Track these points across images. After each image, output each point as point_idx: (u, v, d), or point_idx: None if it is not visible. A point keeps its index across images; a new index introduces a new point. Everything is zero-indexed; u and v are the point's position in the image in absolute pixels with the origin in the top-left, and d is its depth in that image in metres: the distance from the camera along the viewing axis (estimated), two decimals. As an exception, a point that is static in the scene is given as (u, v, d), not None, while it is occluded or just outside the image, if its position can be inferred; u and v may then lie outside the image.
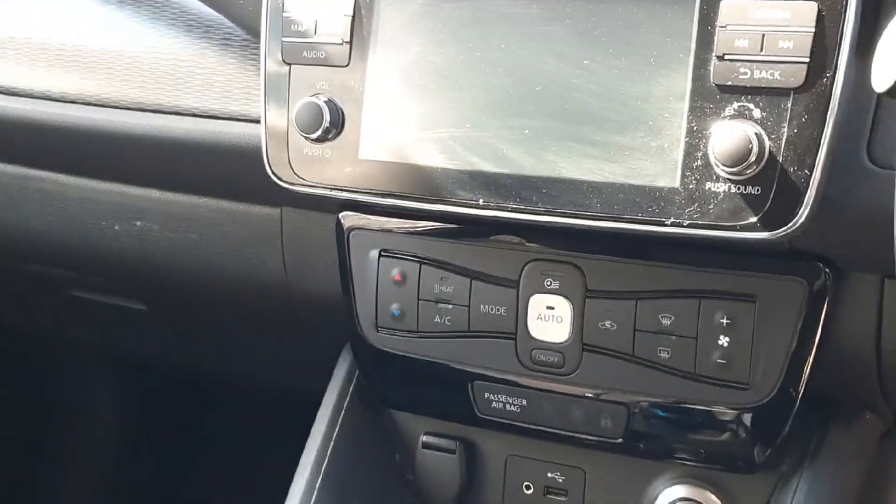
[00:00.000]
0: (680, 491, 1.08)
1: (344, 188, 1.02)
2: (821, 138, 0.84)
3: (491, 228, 1.05)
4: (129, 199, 1.26)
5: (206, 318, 1.46)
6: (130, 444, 2.16)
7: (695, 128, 0.87)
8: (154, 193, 1.25)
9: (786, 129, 0.84)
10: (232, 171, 1.14)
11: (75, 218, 1.30)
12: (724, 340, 0.98)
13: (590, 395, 1.05)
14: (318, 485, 1.13)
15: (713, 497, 1.07)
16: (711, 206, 0.87)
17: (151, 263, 1.30)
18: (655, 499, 1.09)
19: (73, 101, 1.20)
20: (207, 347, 1.64)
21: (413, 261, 1.08)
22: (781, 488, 1.04)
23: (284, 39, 1.01)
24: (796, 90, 0.84)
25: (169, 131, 1.15)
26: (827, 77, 0.83)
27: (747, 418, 1.00)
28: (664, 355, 1.00)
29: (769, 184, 0.85)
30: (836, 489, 1.02)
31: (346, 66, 0.99)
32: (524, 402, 1.08)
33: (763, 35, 0.84)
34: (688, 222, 0.88)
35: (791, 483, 1.03)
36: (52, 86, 1.20)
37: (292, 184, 1.03)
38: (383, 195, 1.00)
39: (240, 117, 1.11)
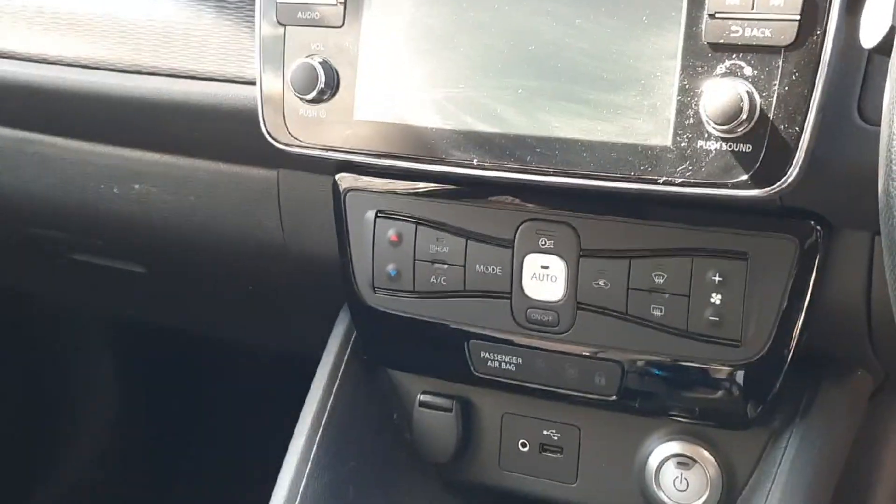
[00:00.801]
0: (673, 447, 1.09)
1: (339, 149, 1.02)
2: (811, 96, 0.84)
3: (486, 189, 1.05)
4: (126, 162, 1.27)
5: (204, 281, 1.47)
6: (129, 409, 2.18)
7: (686, 86, 0.88)
8: (152, 156, 1.25)
9: (777, 87, 0.85)
10: (228, 133, 1.14)
11: (73, 181, 1.31)
12: (716, 298, 0.99)
13: (584, 353, 1.06)
14: (315, 444, 1.14)
15: (706, 453, 1.09)
16: (703, 164, 0.88)
17: (150, 226, 1.30)
18: (649, 455, 1.11)
19: (69, 65, 1.20)
20: (206, 310, 1.65)
21: (409, 221, 1.09)
22: (773, 444, 1.06)
23: (279, 0, 1.01)
24: (787, 48, 0.84)
25: (165, 93, 1.15)
26: (817, 34, 0.83)
27: (739, 375, 1.01)
28: (657, 313, 1.01)
29: (760, 141, 0.86)
30: (826, 445, 1.04)
31: (341, 27, 1.00)
32: (519, 361, 1.09)
33: None
34: (680, 180, 0.89)
35: (782, 439, 1.05)
36: (48, 49, 1.21)
37: (288, 145, 1.04)
38: (378, 156, 1.01)
39: (235, 79, 1.11)
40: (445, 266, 1.08)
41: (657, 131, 0.89)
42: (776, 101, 0.85)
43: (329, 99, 1.01)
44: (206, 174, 1.22)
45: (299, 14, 1.01)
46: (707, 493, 1.08)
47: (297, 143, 1.03)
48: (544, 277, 1.05)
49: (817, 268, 0.96)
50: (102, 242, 1.44)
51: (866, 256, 0.96)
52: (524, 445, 1.17)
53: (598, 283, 1.03)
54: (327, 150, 1.03)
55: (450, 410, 1.18)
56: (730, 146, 0.87)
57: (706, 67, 0.87)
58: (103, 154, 1.28)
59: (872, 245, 0.95)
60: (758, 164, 0.86)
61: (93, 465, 2.15)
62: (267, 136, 1.04)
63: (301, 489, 1.12)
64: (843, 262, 0.97)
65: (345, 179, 1.11)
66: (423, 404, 1.19)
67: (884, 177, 0.68)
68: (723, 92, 0.85)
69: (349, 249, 1.13)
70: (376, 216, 1.10)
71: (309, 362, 1.22)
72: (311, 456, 1.14)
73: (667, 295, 1.00)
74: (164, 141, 1.23)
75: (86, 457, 2.14)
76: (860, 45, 0.76)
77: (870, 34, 0.72)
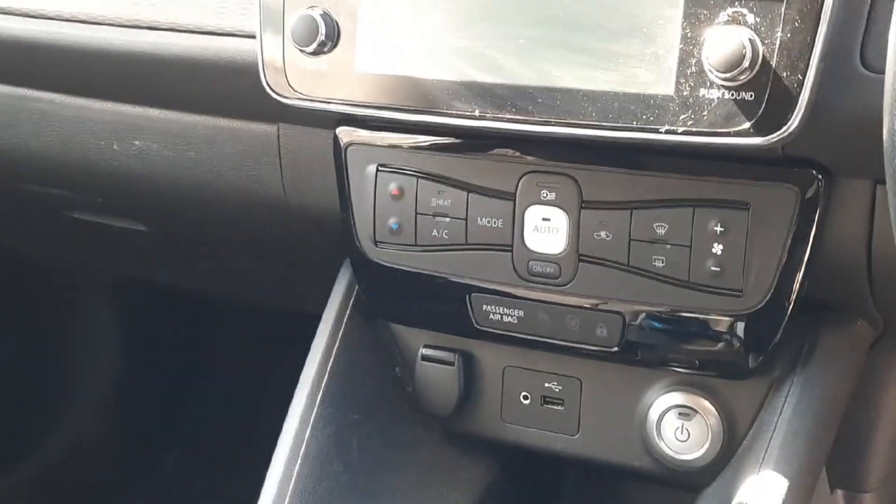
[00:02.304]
0: (674, 398, 1.10)
1: (340, 102, 1.02)
2: (814, 43, 0.84)
3: (487, 141, 1.05)
4: (126, 119, 1.26)
5: (206, 238, 1.47)
6: (131, 366, 2.18)
7: (689, 34, 0.87)
8: (152, 112, 1.25)
9: (779, 34, 0.85)
10: (228, 87, 1.14)
11: (73, 138, 1.31)
12: (717, 248, 0.99)
13: (586, 305, 1.06)
14: (319, 397, 1.15)
15: (707, 403, 1.09)
16: (705, 113, 0.88)
17: (150, 182, 1.30)
18: (650, 406, 1.11)
19: (67, 20, 1.20)
20: (208, 268, 1.65)
21: (410, 175, 1.09)
22: (774, 394, 1.06)
23: (279, -47, 1.01)
24: None
25: (165, 48, 1.15)
26: None
27: (740, 325, 1.02)
28: (659, 264, 1.01)
29: (762, 89, 0.86)
30: (827, 394, 1.04)
31: None
32: (521, 314, 1.10)
33: None
34: (682, 129, 0.89)
35: (783, 388, 1.05)
36: (46, 4, 1.20)
37: (289, 98, 1.04)
38: (379, 108, 1.00)
39: (236, 32, 1.11)
40: (447, 219, 1.08)
41: (659, 80, 0.89)
42: (778, 48, 0.85)
43: (330, 51, 1.01)
44: (206, 129, 1.22)
45: None
46: (708, 442, 1.09)
47: (298, 96, 1.03)
48: (546, 230, 1.05)
49: (818, 217, 0.96)
50: (102, 200, 1.43)
51: (867, 206, 0.96)
52: (526, 398, 1.17)
53: (599, 235, 1.03)
54: (328, 102, 1.03)
55: (452, 364, 1.18)
56: (732, 94, 0.87)
57: (708, 15, 0.87)
58: (103, 110, 1.27)
59: (874, 194, 0.95)
60: (760, 112, 0.86)
61: (92, 422, 2.16)
62: (267, 89, 1.04)
63: (305, 441, 1.13)
64: (844, 212, 0.97)
65: (346, 133, 1.11)
66: (425, 358, 1.19)
67: (889, 124, 0.68)
68: (725, 40, 0.85)
69: (350, 204, 1.13)
70: (377, 170, 1.10)
71: (312, 315, 1.22)
72: (315, 408, 1.14)
73: (668, 245, 1.00)
74: (164, 96, 1.23)
75: (85, 414, 2.15)
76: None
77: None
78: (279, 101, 1.04)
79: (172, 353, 2.23)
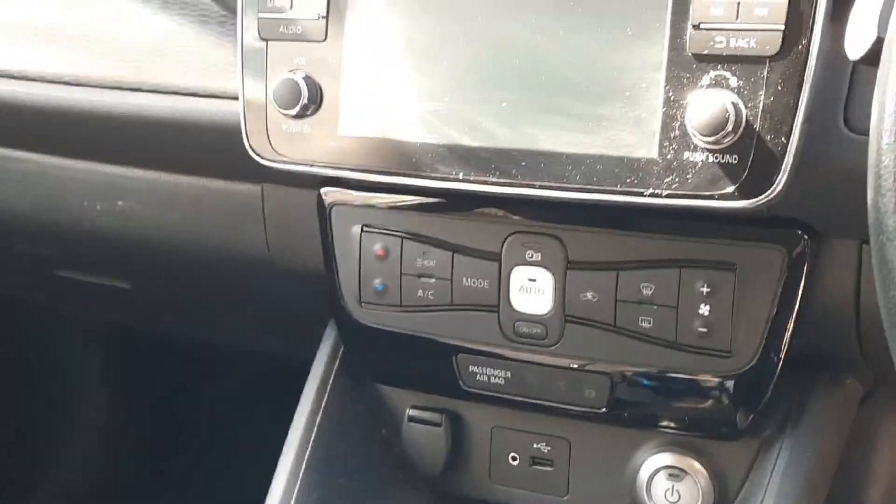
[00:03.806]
0: (664, 459, 1.09)
1: (324, 164, 1.01)
2: (797, 106, 0.84)
3: (472, 202, 1.05)
4: (110, 179, 1.26)
5: (190, 296, 1.46)
6: (121, 415, 2.16)
7: (672, 97, 0.87)
8: (135, 172, 1.25)
9: (762, 98, 0.85)
10: (212, 148, 1.13)
11: (56, 198, 1.30)
12: (704, 309, 0.98)
13: (573, 365, 1.06)
14: (304, 461, 1.13)
15: (697, 464, 1.08)
16: (689, 176, 0.87)
17: (134, 242, 1.30)
18: (640, 467, 1.10)
19: (50, 81, 1.19)
20: (193, 323, 1.64)
21: (395, 235, 1.08)
22: (764, 454, 1.05)
23: (261, 15, 1.01)
24: (772, 58, 0.84)
25: (148, 109, 1.14)
26: (802, 44, 0.83)
27: (729, 385, 1.01)
28: (646, 325, 1.00)
29: (746, 152, 0.85)
30: (817, 453, 1.03)
31: (323, 41, 0.99)
32: (508, 374, 1.09)
33: (738, 3, 0.84)
34: (666, 192, 0.88)
35: (773, 448, 1.04)
36: (28, 65, 1.20)
37: (272, 160, 1.03)
38: (363, 171, 1.00)
39: (219, 94, 1.10)
40: (432, 280, 1.08)
41: (643, 143, 0.89)
42: (762, 111, 0.85)
43: (312, 114, 1.00)
44: (190, 190, 1.22)
45: (281, 29, 1.00)
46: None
47: (281, 158, 1.03)
48: (532, 290, 1.04)
49: (805, 277, 0.96)
50: (86, 259, 1.43)
51: (854, 264, 0.96)
52: (514, 459, 1.16)
53: (585, 296, 1.02)
54: (311, 165, 1.02)
55: (439, 424, 1.17)
56: (716, 157, 0.86)
57: (691, 78, 0.86)
58: (86, 170, 1.27)
59: (860, 253, 0.95)
60: (744, 176, 0.86)
61: (83, 469, 2.13)
62: (250, 151, 1.03)
63: None
64: (831, 271, 0.97)
65: (330, 194, 1.10)
66: (411, 419, 1.18)
67: (872, 192, 0.67)
68: (708, 103, 0.84)
69: (335, 264, 1.12)
70: (362, 230, 1.10)
71: (299, 368, 1.21)
72: (301, 473, 1.13)
73: (655, 307, 1.00)
74: (148, 157, 1.22)
75: (76, 460, 2.13)
76: (845, 55, 0.75)
77: (855, 45, 0.72)
78: (262, 164, 1.04)
79: (161, 400, 2.21)
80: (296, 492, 1.12)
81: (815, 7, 0.82)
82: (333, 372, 1.19)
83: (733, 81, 0.85)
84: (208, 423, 2.20)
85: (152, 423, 2.21)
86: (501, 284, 1.05)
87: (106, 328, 2.11)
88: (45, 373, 2.11)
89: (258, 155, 1.03)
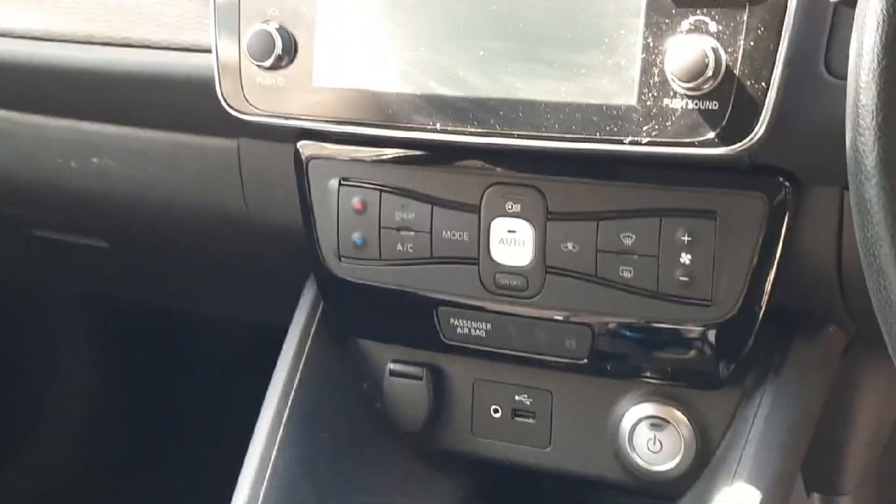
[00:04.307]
0: (646, 409, 1.09)
1: (299, 117, 1.00)
2: (777, 51, 0.83)
3: (450, 154, 1.04)
4: (84, 136, 1.24)
5: (170, 255, 1.45)
6: (100, 384, 2.16)
7: (651, 44, 0.86)
8: (109, 129, 1.23)
9: (742, 43, 0.84)
10: (186, 102, 1.12)
11: (30, 156, 1.28)
12: (685, 258, 0.98)
13: (553, 317, 1.05)
14: (285, 417, 1.13)
15: (679, 414, 1.08)
16: (669, 123, 0.87)
17: (111, 200, 1.28)
18: (622, 417, 1.10)
19: (20, 37, 1.17)
20: (173, 284, 1.63)
21: (373, 189, 1.07)
22: (746, 403, 1.05)
23: (233, -34, 0.99)
24: (751, 2, 0.83)
25: (120, 64, 1.13)
26: None
27: (711, 335, 1.01)
28: (626, 275, 1.00)
29: (726, 98, 0.84)
30: (799, 402, 1.03)
31: None
32: (489, 327, 1.08)
33: None
34: (646, 140, 0.88)
35: (755, 397, 1.04)
36: (-1, 21, 1.18)
37: (247, 114, 1.02)
38: (339, 122, 0.99)
39: (191, 47, 1.09)
40: (412, 233, 1.07)
41: (622, 91, 0.88)
42: (742, 56, 0.84)
43: (287, 66, 0.99)
44: (165, 146, 1.20)
45: None
46: (681, 453, 1.08)
47: (256, 111, 1.01)
48: (512, 242, 1.03)
49: (787, 225, 0.95)
50: (63, 218, 1.41)
51: (836, 212, 0.95)
52: (496, 411, 1.16)
53: (566, 247, 1.01)
54: (287, 118, 1.01)
55: (420, 378, 1.16)
56: (696, 104, 0.85)
57: (670, 24, 0.85)
58: (59, 128, 1.25)
59: (842, 200, 0.94)
60: (724, 122, 0.85)
61: (64, 442, 2.13)
62: (224, 105, 1.02)
63: (271, 462, 1.11)
64: (812, 219, 0.96)
65: (306, 147, 1.09)
66: (393, 373, 1.18)
67: (851, 131, 0.67)
68: (688, 49, 0.83)
69: (313, 219, 1.11)
70: (340, 184, 1.09)
71: (280, 330, 1.21)
72: (281, 429, 1.12)
73: (636, 256, 0.99)
74: (121, 113, 1.21)
75: (58, 435, 2.12)
76: (824, -2, 0.74)
77: (835, -14, 0.71)
78: (237, 118, 1.02)
79: (142, 370, 2.20)
80: (276, 447, 1.11)
81: None
82: (313, 327, 1.18)
83: (713, 26, 0.84)
84: (192, 393, 2.20)
85: (134, 395, 2.21)
86: (481, 236, 1.04)
87: (86, 300, 2.10)
88: (23, 347, 2.09)
89: (232, 108, 1.02)
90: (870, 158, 0.64)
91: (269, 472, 1.10)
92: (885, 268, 0.65)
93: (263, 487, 1.09)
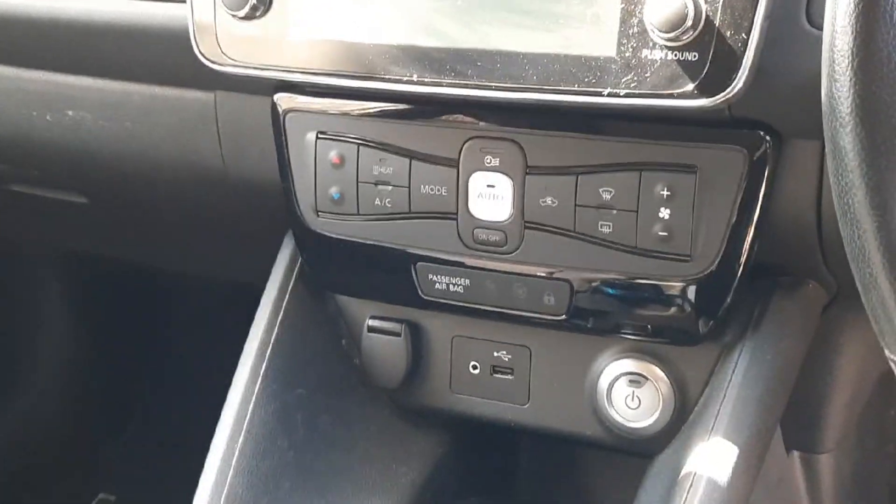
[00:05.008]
0: (624, 365, 1.08)
1: (275, 68, 0.99)
2: (757, 1, 0.82)
3: (429, 107, 1.02)
4: (59, 88, 1.22)
5: (147, 211, 1.43)
6: (81, 342, 2.15)
7: None
8: (84, 81, 1.21)
9: None
10: (161, 54, 1.10)
11: (4, 109, 1.26)
12: (664, 213, 0.97)
13: (532, 272, 1.04)
14: (262, 372, 1.12)
15: (658, 370, 1.07)
16: (648, 75, 0.85)
17: (87, 154, 1.26)
18: (600, 374, 1.09)
19: None
20: (151, 241, 1.62)
21: (351, 142, 1.06)
22: (725, 359, 1.04)
23: (206, -88, 0.97)
24: None
25: (94, 14, 1.11)
26: None
27: (690, 290, 1.00)
28: (605, 230, 0.99)
29: (706, 49, 0.83)
30: (778, 357, 1.03)
31: None
32: (467, 282, 1.07)
33: None
34: (625, 92, 0.86)
35: (734, 353, 1.04)
36: (-30, -30, 1.16)
37: (222, 65, 1.00)
38: (314, 74, 0.98)
39: (165, -3, 1.07)
40: (389, 188, 1.06)
41: (600, 41, 0.87)
42: (722, 7, 0.82)
43: (262, 15, 0.97)
44: (141, 98, 1.18)
45: None
46: (659, 410, 1.07)
47: (231, 62, 1.00)
48: (490, 197, 1.02)
49: (767, 179, 0.94)
50: (39, 172, 1.39)
51: (816, 166, 0.94)
52: (475, 368, 1.15)
53: (545, 201, 1.00)
54: (262, 69, 0.99)
55: (399, 335, 1.16)
56: (675, 55, 0.84)
57: (649, -27, 0.84)
58: (34, 80, 1.23)
59: (822, 154, 0.93)
60: (704, 73, 0.84)
61: (43, 398, 2.12)
62: (199, 56, 1.01)
63: (248, 417, 1.10)
64: (792, 173, 0.95)
65: (283, 100, 1.08)
66: (371, 329, 1.17)
67: (826, 78, 0.66)
68: None
69: (290, 173, 1.10)
70: (317, 137, 1.07)
71: (258, 289, 1.20)
72: (258, 383, 1.12)
73: (615, 211, 0.98)
74: (96, 64, 1.19)
75: (37, 391, 2.11)
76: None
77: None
78: (212, 69, 1.01)
79: (124, 328, 2.19)
80: (252, 403, 1.10)
81: None
82: (291, 283, 1.17)
83: None
84: (169, 349, 2.19)
85: (113, 351, 2.20)
86: (459, 191, 1.03)
87: (65, 256, 2.09)
88: (2, 302, 2.08)
89: (207, 59, 1.01)
90: (845, 105, 0.63)
91: (245, 427, 1.10)
92: (859, 217, 0.65)
93: (240, 443, 1.09)
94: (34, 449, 2.11)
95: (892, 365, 0.70)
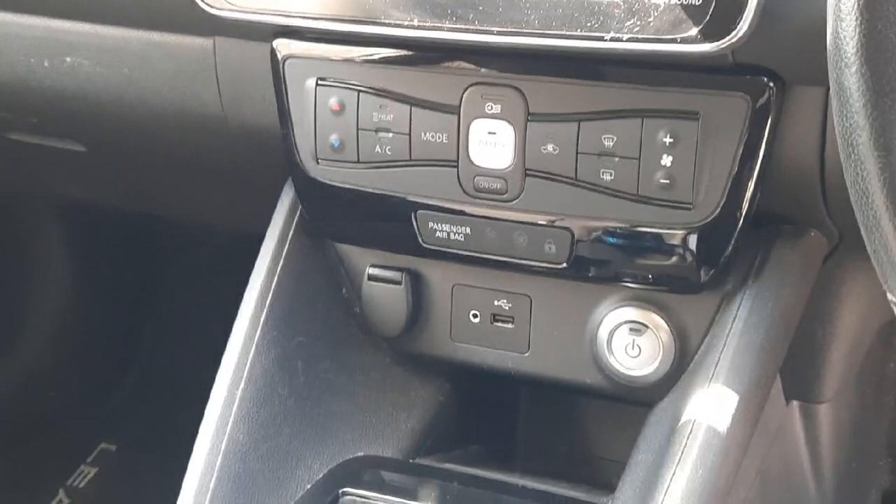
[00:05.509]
0: (625, 313, 1.08)
1: (273, 13, 0.98)
2: None
3: (430, 53, 1.02)
4: (56, 34, 1.21)
5: (145, 158, 1.43)
6: (80, 290, 2.15)
7: None
8: (82, 27, 1.20)
9: None
10: (158, -2, 1.09)
11: (2, 56, 1.25)
12: (666, 160, 0.96)
13: (533, 220, 1.04)
14: (262, 320, 1.12)
15: (658, 318, 1.07)
16: (651, 19, 0.85)
17: (85, 100, 1.25)
18: (601, 322, 1.09)
19: None
20: (150, 190, 1.61)
21: (351, 89, 1.05)
22: (725, 307, 1.04)
23: None
24: None
25: (90, -41, 1.10)
26: None
27: (692, 238, 1.00)
28: (607, 178, 0.98)
29: None
30: (779, 306, 1.02)
31: None
32: (468, 231, 1.07)
33: None
34: (627, 36, 0.86)
35: (735, 301, 1.03)
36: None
37: (220, 9, 1.00)
38: (314, 19, 0.97)
39: (162, -60, 1.06)
40: (390, 135, 1.05)
41: (604, -16, 0.86)
42: None
43: None
44: (140, 44, 1.17)
45: None
46: (659, 358, 1.07)
47: (230, 7, 0.99)
48: (492, 144, 1.02)
49: (770, 126, 0.94)
50: (37, 120, 1.38)
51: (820, 113, 0.94)
52: (475, 316, 1.15)
53: (546, 149, 1.00)
54: (261, 14, 0.99)
55: (399, 283, 1.15)
56: None
57: (654, -85, 0.83)
58: (31, 26, 1.22)
59: (826, 101, 0.93)
60: (707, 17, 0.83)
61: (42, 346, 2.13)
62: (198, 0, 1.00)
63: (248, 364, 1.10)
64: (796, 120, 0.95)
65: (283, 46, 1.07)
66: (371, 277, 1.17)
67: (832, 17, 0.65)
68: None
69: (290, 120, 1.09)
70: (317, 84, 1.06)
71: (259, 238, 1.19)
72: (258, 331, 1.11)
73: (617, 158, 0.98)
74: (94, 10, 1.18)
75: (39, 341, 2.12)
76: None
77: None
78: (210, 14, 1.00)
79: (125, 277, 2.19)
80: (252, 350, 1.10)
81: None
82: (291, 231, 1.16)
83: None
84: (169, 298, 2.19)
85: (112, 299, 2.20)
86: (460, 138, 1.02)
87: (64, 205, 2.08)
88: (4, 252, 2.08)
89: (206, 4, 1.00)
90: (850, 45, 0.63)
91: (245, 374, 1.10)
92: (863, 157, 0.64)
93: (240, 390, 1.09)
94: (34, 399, 2.11)
95: (893, 307, 0.70)
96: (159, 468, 1.16)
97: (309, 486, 1.10)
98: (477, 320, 1.15)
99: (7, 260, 2.08)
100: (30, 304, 2.11)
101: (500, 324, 1.14)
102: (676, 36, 0.84)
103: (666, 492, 0.96)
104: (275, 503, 1.07)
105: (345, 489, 1.09)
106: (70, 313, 2.15)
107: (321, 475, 1.11)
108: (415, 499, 1.08)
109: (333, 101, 1.06)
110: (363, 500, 1.08)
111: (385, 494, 1.08)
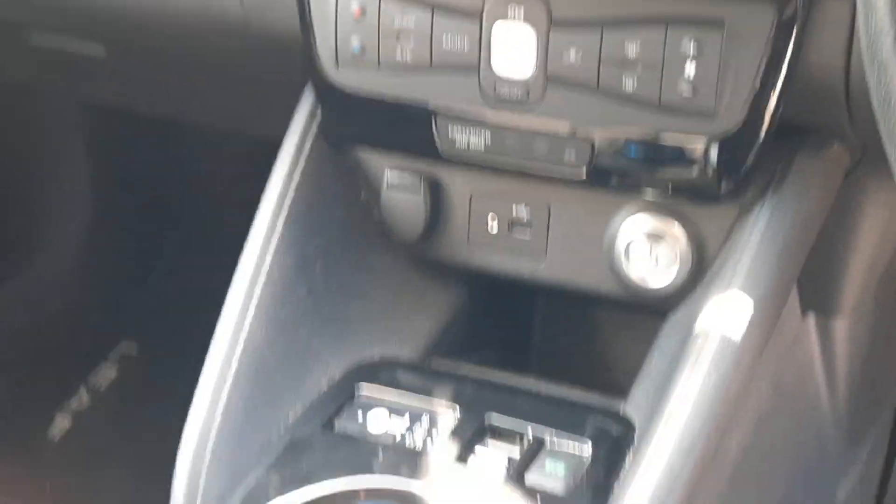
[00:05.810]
0: (643, 222, 1.08)
1: None
2: None
3: None
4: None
5: (165, 62, 1.42)
6: (100, 197, 2.15)
7: None
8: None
9: None
10: None
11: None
12: (690, 68, 0.95)
13: (553, 128, 1.03)
14: (280, 221, 1.12)
15: (676, 228, 1.07)
16: None
17: (105, 1, 1.25)
18: (618, 231, 1.09)
19: None
20: (169, 93, 1.61)
21: None
22: (744, 217, 1.04)
23: None
24: None
25: None
26: None
27: (713, 148, 0.99)
28: (629, 86, 0.98)
29: None
30: (798, 216, 1.02)
31: None
32: (488, 138, 1.07)
33: None
34: (654, -60, 0.85)
35: (753, 211, 1.03)
36: None
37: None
38: None
39: None
40: (411, 40, 1.04)
41: None
42: None
43: None
44: (161, -56, 1.17)
45: None
46: (677, 267, 1.07)
47: None
48: (513, 50, 1.01)
49: (796, 36, 0.93)
50: (57, 18, 1.38)
51: (847, 23, 0.92)
52: (493, 223, 1.15)
53: (568, 56, 0.99)
54: None
55: (417, 189, 1.15)
56: None
57: None
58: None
59: (853, 10, 0.91)
60: None
61: (68, 250, 2.14)
62: None
63: (266, 265, 1.11)
64: (822, 30, 0.94)
65: (304, -53, 1.06)
66: (390, 183, 1.17)
67: None
68: None
69: (311, 24, 1.08)
70: None
71: (279, 144, 1.19)
72: (276, 233, 1.12)
73: (640, 66, 0.97)
74: None
75: (60, 242, 2.13)
76: None
77: None
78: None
79: (145, 181, 2.19)
80: (271, 251, 1.11)
81: None
82: (310, 136, 1.16)
83: None
84: (191, 201, 2.19)
85: (133, 206, 2.20)
86: (482, 44, 1.02)
87: (86, 112, 2.08)
88: (21, 155, 2.08)
89: None
90: None
91: (264, 273, 1.10)
92: (886, 62, 0.64)
93: (258, 289, 1.10)
94: (55, 298, 2.13)
95: None
96: (178, 374, 1.17)
97: (326, 389, 1.11)
98: (495, 228, 1.15)
99: (31, 163, 2.09)
100: (51, 205, 2.12)
101: (517, 231, 1.14)
102: (703, -60, 0.83)
103: (678, 396, 0.97)
104: (292, 399, 1.08)
105: (360, 382, 1.10)
106: (91, 215, 2.15)
107: (339, 377, 1.12)
108: (430, 396, 1.09)
109: (355, 6, 1.05)
110: (378, 394, 1.09)
111: (400, 389, 1.09)
